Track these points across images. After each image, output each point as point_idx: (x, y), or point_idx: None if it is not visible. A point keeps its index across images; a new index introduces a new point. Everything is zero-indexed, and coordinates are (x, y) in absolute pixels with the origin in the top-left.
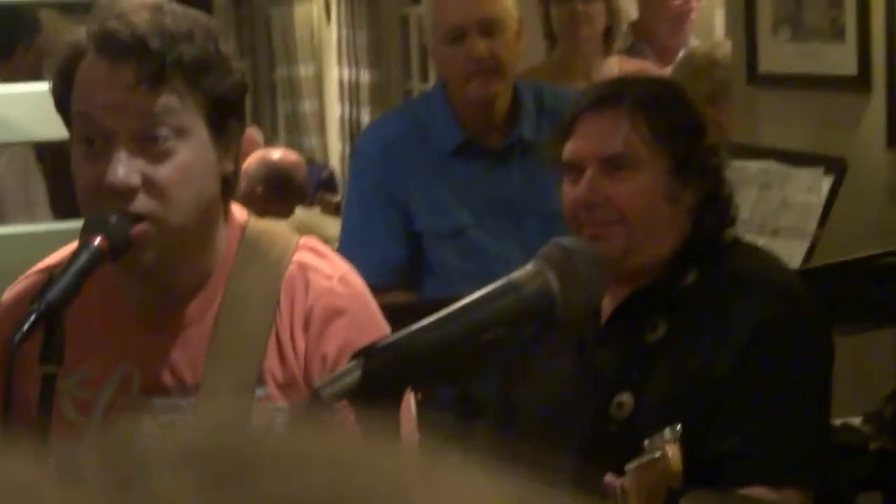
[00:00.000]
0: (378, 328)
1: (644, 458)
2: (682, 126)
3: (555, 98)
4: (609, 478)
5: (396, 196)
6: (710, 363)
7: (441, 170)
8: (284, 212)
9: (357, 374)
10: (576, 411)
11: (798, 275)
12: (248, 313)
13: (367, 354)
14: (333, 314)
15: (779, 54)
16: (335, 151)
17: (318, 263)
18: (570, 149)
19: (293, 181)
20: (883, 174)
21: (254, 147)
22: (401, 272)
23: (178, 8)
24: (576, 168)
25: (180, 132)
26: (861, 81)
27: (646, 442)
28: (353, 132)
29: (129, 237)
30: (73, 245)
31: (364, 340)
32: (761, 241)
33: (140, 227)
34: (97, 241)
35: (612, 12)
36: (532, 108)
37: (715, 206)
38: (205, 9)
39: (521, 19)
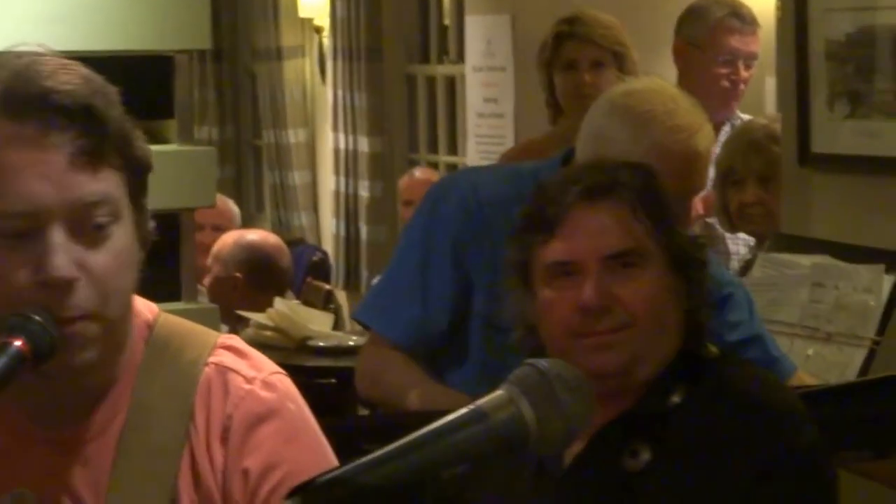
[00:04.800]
0: (310, 438)
1: None
2: (673, 216)
3: None
4: None
5: (466, 264)
6: (705, 495)
7: None
8: (264, 302)
9: None
10: None
11: (850, 388)
12: (157, 425)
13: (304, 493)
14: (255, 423)
15: (834, 132)
16: (328, 231)
17: (239, 364)
18: (561, 248)
19: (277, 266)
20: None
21: (230, 220)
22: (432, 344)
23: (85, 68)
24: (568, 269)
25: (116, 215)
26: None
27: None
28: (349, 208)
29: (54, 338)
30: None
31: (293, 453)
32: (811, 349)
33: (79, 326)
34: (17, 343)
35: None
36: None
37: (709, 304)
38: (167, 66)
39: None
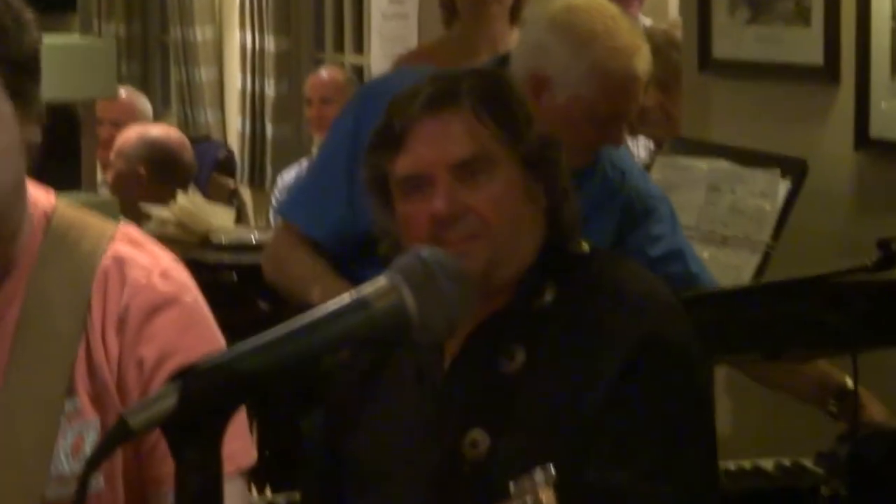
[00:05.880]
0: (206, 329)
1: None
2: (523, 117)
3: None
4: None
5: None
6: (578, 393)
7: None
8: (168, 196)
9: (173, 399)
10: (422, 452)
11: (743, 292)
12: (54, 314)
13: (186, 377)
14: (152, 313)
15: (735, 38)
16: (234, 128)
17: (136, 255)
18: (409, 161)
19: (180, 161)
20: (849, 179)
21: (138, 117)
22: (355, 246)
23: None
24: (419, 181)
25: None
26: (827, 72)
27: (511, 485)
28: (255, 107)
29: None
30: None
31: (188, 343)
32: (707, 252)
33: None
34: None
35: None
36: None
37: (570, 203)
38: None
39: None
